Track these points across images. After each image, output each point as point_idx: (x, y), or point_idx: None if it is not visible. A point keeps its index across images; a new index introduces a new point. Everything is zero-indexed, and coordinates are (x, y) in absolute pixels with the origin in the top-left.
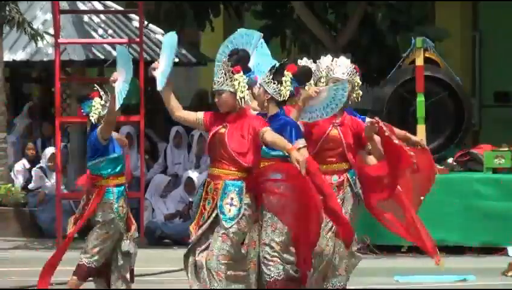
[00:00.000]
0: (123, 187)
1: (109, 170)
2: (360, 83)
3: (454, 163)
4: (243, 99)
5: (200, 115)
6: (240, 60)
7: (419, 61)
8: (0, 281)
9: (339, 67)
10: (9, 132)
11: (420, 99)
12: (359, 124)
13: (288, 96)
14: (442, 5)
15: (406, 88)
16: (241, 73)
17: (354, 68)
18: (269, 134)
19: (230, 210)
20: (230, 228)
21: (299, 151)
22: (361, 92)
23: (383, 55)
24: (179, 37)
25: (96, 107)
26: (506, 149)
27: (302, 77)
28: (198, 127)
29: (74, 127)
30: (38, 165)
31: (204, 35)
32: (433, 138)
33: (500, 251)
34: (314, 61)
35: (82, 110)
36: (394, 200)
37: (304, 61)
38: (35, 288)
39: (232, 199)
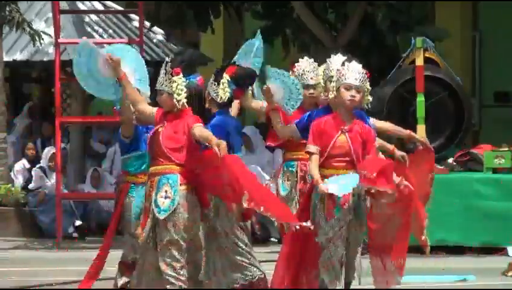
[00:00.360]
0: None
1: (135, 167)
2: (370, 88)
3: (454, 163)
4: (180, 102)
5: (154, 110)
6: (183, 61)
7: (419, 61)
8: (0, 281)
9: (351, 73)
10: (9, 131)
11: (420, 99)
12: (369, 131)
13: (227, 99)
14: (442, 5)
15: (406, 88)
16: (181, 75)
17: (365, 74)
18: (197, 129)
19: (164, 203)
20: (167, 227)
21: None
22: (370, 98)
23: (383, 55)
24: (179, 37)
25: None
26: (506, 149)
27: (242, 80)
28: (152, 122)
29: (74, 127)
30: (38, 165)
31: (204, 36)
32: (433, 138)
33: (500, 251)
34: (315, 60)
35: (115, 108)
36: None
37: (305, 60)
38: (35, 288)
39: (166, 191)
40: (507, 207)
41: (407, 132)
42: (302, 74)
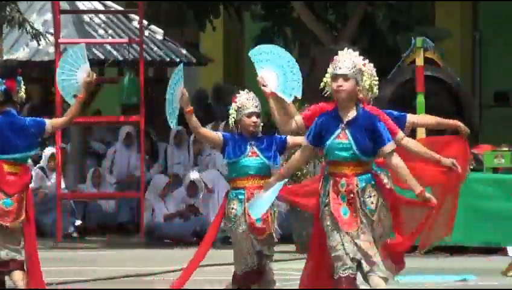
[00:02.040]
0: (240, 191)
1: (228, 173)
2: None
3: None
4: None
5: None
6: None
7: (419, 61)
8: None
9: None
10: None
11: (420, 99)
12: None
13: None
14: (442, 5)
15: (406, 88)
16: None
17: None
18: None
19: None
20: None
21: None
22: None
23: (383, 55)
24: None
25: (231, 112)
26: (506, 149)
27: (3, 71)
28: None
29: (74, 127)
30: (38, 165)
31: (204, 36)
32: None
33: (500, 251)
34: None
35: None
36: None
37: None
38: (35, 288)
39: None
40: (507, 207)
41: (454, 122)
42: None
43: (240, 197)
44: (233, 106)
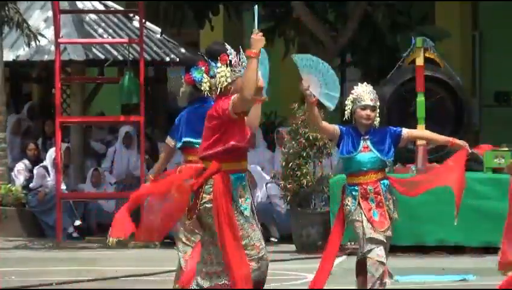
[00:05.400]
0: (354, 187)
1: (343, 168)
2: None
3: None
4: None
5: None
6: None
7: (419, 61)
8: (0, 281)
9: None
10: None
11: (420, 99)
12: None
13: None
14: (442, 5)
15: (406, 88)
16: None
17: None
18: None
19: None
20: None
21: None
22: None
23: (383, 55)
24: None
25: (348, 103)
26: (506, 149)
27: None
28: None
29: (74, 127)
30: (40, 165)
31: (204, 35)
32: None
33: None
34: None
35: None
36: None
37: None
38: (35, 288)
39: None
40: (507, 207)
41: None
42: None
43: (354, 193)
44: (350, 96)
